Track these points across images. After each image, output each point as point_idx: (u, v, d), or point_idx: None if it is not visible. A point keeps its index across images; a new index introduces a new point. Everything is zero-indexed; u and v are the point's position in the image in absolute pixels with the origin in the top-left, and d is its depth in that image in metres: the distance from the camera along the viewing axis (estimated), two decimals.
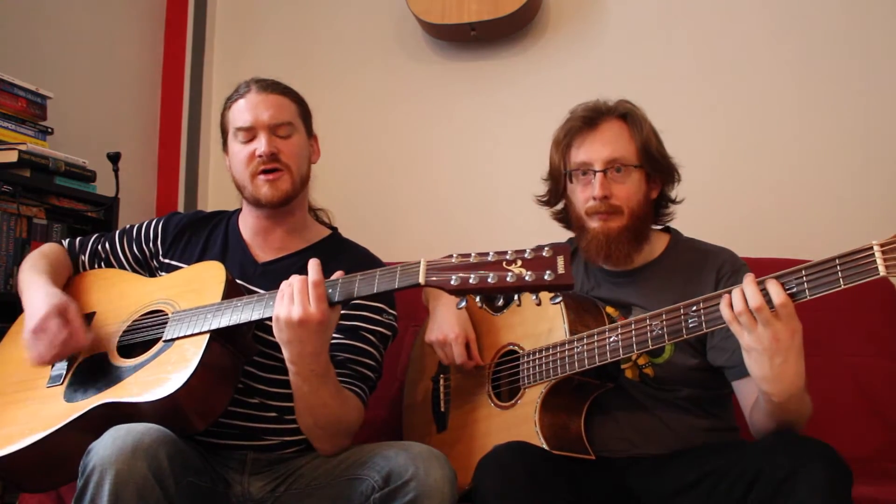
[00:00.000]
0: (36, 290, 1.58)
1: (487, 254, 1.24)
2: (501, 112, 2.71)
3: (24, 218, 2.15)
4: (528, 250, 1.22)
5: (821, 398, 1.45)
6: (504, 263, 1.22)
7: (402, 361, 2.07)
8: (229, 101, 1.70)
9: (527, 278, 1.19)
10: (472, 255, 1.25)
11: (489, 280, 1.21)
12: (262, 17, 3.05)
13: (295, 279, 1.38)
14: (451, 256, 1.26)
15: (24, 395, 1.55)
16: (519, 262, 1.21)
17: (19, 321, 1.72)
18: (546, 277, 1.18)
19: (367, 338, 1.61)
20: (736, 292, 1.32)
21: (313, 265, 1.38)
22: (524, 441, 1.46)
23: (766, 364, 1.30)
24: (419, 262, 1.29)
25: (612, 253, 1.63)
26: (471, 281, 1.22)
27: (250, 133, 1.64)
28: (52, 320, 1.49)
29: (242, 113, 1.65)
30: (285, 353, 1.40)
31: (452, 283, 1.23)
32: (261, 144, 1.62)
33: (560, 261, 1.19)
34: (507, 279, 1.20)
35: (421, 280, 1.28)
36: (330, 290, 1.37)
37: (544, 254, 1.21)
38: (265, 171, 1.62)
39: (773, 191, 2.41)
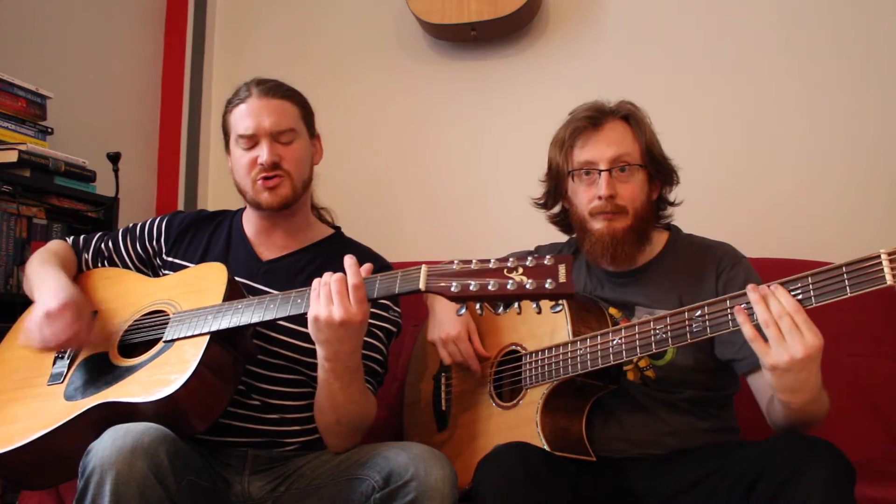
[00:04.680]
0: (52, 280, 1.58)
1: (489, 260, 1.23)
2: (502, 112, 2.71)
3: (24, 218, 2.14)
4: (529, 258, 1.21)
5: None
6: (505, 271, 1.21)
7: (402, 361, 2.07)
8: (230, 105, 1.68)
9: (527, 286, 1.18)
10: (474, 261, 1.24)
11: (490, 287, 1.20)
12: (261, 17, 3.05)
13: (331, 279, 1.36)
14: (452, 262, 1.26)
15: (25, 392, 1.55)
16: (520, 270, 1.20)
17: (22, 319, 1.72)
18: (547, 286, 1.18)
19: (376, 333, 1.62)
20: (758, 305, 1.28)
21: (351, 266, 1.36)
22: (525, 441, 1.46)
23: (792, 378, 1.29)
24: (420, 268, 1.29)
25: (617, 254, 1.62)
26: (471, 288, 1.21)
27: (252, 140, 1.63)
28: (68, 311, 1.49)
29: (243, 119, 1.63)
30: (321, 352, 1.39)
31: (453, 289, 1.23)
32: (262, 153, 1.61)
33: (562, 269, 1.18)
34: (508, 287, 1.19)
35: (422, 286, 1.27)
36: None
37: (546, 262, 1.20)
38: (266, 178, 1.62)
39: (774, 191, 2.41)
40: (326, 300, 1.34)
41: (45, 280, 1.59)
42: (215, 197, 3.01)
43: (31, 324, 1.50)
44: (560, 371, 1.53)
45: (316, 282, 1.38)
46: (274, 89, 1.66)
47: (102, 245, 1.78)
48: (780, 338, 1.26)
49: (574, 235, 1.77)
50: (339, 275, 1.35)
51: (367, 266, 1.39)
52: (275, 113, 1.63)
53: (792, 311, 1.26)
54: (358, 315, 1.33)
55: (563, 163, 1.68)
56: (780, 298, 1.27)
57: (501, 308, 1.25)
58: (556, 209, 1.79)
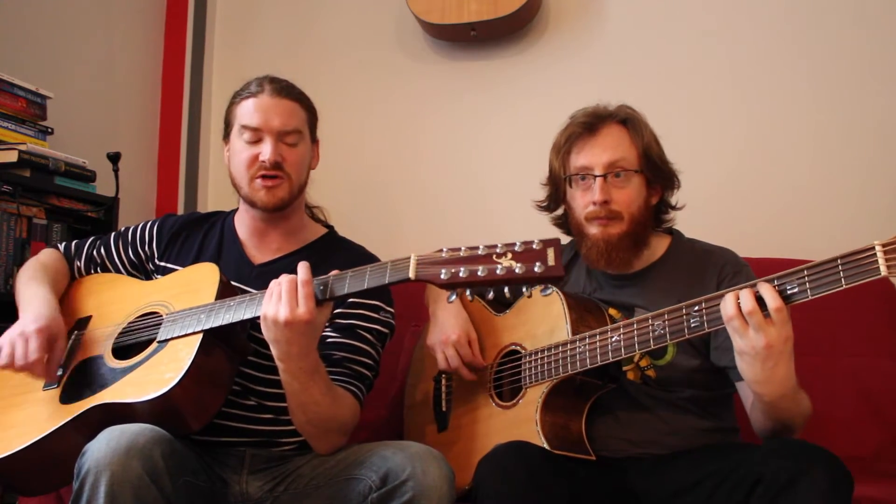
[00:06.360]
0: (39, 301, 1.57)
1: (478, 247, 1.24)
2: (502, 112, 2.71)
3: (24, 218, 2.14)
4: (518, 243, 1.22)
5: (820, 398, 1.45)
6: (494, 256, 1.22)
7: (402, 362, 2.06)
8: (240, 97, 1.67)
9: (517, 270, 1.19)
10: (462, 248, 1.25)
11: (479, 273, 1.21)
12: (261, 17, 3.05)
13: (284, 278, 1.37)
14: (441, 251, 1.26)
15: (21, 398, 1.55)
16: (509, 255, 1.21)
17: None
18: (536, 269, 1.18)
19: (364, 336, 1.60)
20: (729, 295, 1.32)
21: (302, 265, 1.38)
22: (525, 441, 1.46)
23: (758, 367, 1.31)
24: (409, 257, 1.29)
25: (612, 259, 1.63)
26: (461, 274, 1.22)
27: (257, 135, 1.62)
28: (41, 336, 1.48)
29: (252, 113, 1.62)
30: (273, 351, 1.39)
31: (442, 276, 1.23)
32: (266, 151, 1.60)
33: (550, 253, 1.19)
34: (497, 272, 1.20)
35: (411, 275, 1.27)
36: (321, 288, 1.36)
37: (534, 246, 1.20)
38: (265, 177, 1.61)
39: (774, 191, 2.40)
40: (276, 299, 1.35)
41: (30, 302, 1.58)
42: (215, 197, 3.01)
43: (3, 339, 1.50)
44: (559, 370, 1.53)
45: (273, 282, 1.38)
46: (287, 89, 1.66)
47: (94, 252, 1.78)
48: (744, 328, 1.29)
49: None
50: (293, 276, 1.36)
51: (333, 271, 1.39)
52: (284, 113, 1.63)
53: (773, 308, 1.28)
54: (303, 315, 1.33)
55: (561, 168, 1.69)
56: (766, 296, 1.29)
57: (491, 294, 1.25)
58: (559, 211, 1.79)
